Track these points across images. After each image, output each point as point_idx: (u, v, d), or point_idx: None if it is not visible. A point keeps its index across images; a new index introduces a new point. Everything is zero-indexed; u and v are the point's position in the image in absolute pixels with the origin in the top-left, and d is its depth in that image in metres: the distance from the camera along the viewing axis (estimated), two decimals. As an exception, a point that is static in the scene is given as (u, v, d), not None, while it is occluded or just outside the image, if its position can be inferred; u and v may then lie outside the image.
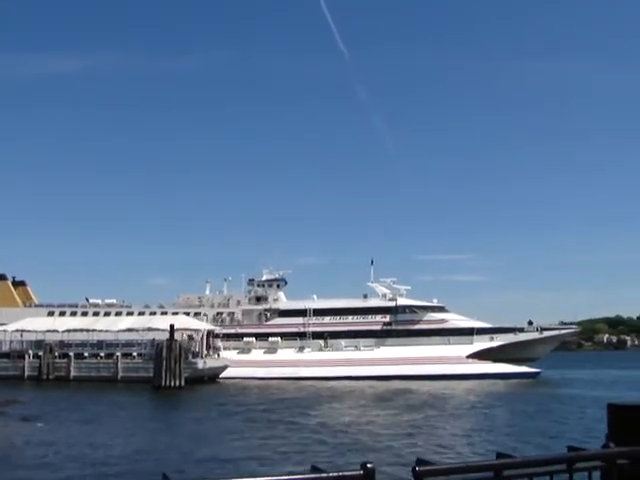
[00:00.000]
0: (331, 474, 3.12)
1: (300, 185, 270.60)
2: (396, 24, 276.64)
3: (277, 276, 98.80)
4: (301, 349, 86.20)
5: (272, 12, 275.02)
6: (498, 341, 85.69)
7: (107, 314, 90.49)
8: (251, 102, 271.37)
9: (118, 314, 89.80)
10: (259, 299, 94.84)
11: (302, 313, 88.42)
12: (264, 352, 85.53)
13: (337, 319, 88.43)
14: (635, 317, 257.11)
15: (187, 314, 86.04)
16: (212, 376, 75.00)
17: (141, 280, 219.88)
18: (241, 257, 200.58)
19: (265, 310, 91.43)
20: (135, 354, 75.78)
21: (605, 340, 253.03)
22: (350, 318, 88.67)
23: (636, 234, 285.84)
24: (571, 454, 3.66)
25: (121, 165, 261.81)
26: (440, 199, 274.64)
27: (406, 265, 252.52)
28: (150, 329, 75.13)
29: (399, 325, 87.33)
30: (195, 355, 75.09)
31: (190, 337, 78.05)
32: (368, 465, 3.16)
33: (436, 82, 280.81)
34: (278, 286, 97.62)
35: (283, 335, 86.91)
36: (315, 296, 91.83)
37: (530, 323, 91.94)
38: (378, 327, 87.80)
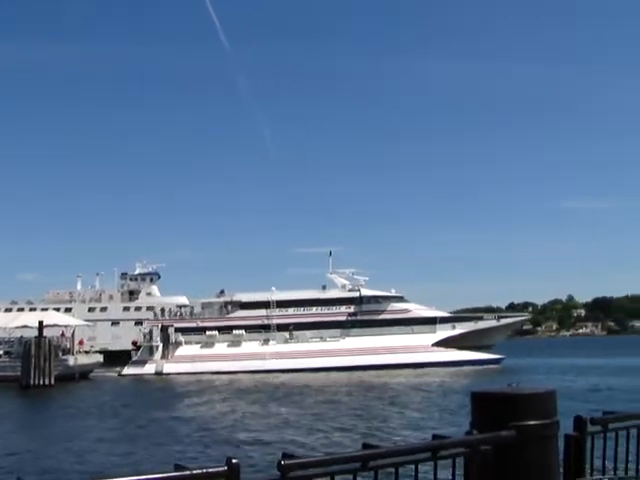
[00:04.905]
0: (195, 471, 3.01)
1: (172, 177, 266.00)
2: (279, 19, 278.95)
3: (150, 270, 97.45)
4: (266, 342, 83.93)
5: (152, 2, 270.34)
6: (459, 329, 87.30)
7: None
8: (126, 94, 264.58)
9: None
10: (132, 293, 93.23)
11: (265, 305, 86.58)
12: (227, 345, 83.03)
13: (301, 310, 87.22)
14: (540, 305, 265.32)
15: (57, 310, 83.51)
16: (84, 373, 73.05)
17: (8, 276, 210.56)
18: (114, 251, 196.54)
19: (226, 303, 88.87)
20: (1, 352, 72.78)
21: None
22: (314, 309, 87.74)
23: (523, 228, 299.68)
24: (435, 442, 3.71)
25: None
26: (317, 194, 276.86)
27: (282, 258, 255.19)
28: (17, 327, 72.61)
29: (364, 315, 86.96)
30: (66, 352, 73.03)
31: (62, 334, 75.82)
32: (233, 460, 3.07)
33: (317, 78, 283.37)
34: (151, 280, 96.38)
35: (246, 328, 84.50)
36: (274, 288, 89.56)
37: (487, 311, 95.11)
38: (343, 318, 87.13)
